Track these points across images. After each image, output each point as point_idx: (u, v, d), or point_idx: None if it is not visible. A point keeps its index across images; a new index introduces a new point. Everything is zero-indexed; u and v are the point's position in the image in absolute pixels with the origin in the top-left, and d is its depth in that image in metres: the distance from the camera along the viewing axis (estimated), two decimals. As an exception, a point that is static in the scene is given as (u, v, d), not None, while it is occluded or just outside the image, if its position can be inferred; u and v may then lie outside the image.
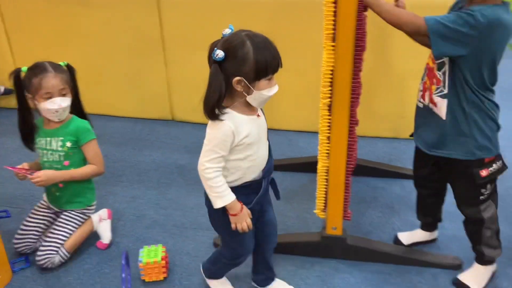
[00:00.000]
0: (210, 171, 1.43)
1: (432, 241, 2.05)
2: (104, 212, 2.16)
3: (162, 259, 1.86)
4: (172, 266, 1.96)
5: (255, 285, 1.83)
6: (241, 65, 1.33)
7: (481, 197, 1.70)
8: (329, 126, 1.76)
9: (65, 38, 3.12)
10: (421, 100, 1.74)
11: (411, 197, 2.35)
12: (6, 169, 1.92)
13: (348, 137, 1.76)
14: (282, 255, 1.95)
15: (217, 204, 1.47)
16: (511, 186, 2.40)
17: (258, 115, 1.48)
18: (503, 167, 1.67)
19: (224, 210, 1.49)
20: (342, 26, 1.58)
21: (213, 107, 1.37)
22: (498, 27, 1.44)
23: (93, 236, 2.10)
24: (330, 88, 1.70)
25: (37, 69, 1.86)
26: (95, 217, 2.11)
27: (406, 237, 2.04)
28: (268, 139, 1.55)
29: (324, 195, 1.90)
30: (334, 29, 1.62)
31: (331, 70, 1.67)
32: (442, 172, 1.81)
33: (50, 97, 1.86)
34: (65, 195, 2.01)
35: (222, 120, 1.39)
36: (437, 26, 1.46)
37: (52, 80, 1.85)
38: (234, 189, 1.48)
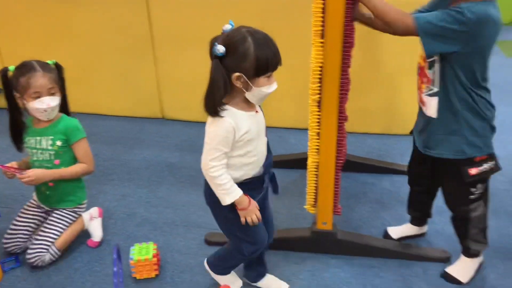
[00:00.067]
0: (215, 169, 1.43)
1: (421, 235, 2.08)
2: (94, 211, 2.15)
3: (154, 256, 1.86)
4: (163, 264, 1.96)
5: (246, 281, 1.84)
6: (241, 61, 1.32)
7: (471, 197, 1.70)
8: (318, 122, 1.78)
9: (54, 37, 3.10)
10: (418, 98, 1.74)
11: (400, 192, 2.38)
12: (-5, 169, 1.91)
13: (338, 133, 1.78)
14: (273, 251, 1.96)
15: (226, 200, 1.47)
16: (499, 179, 2.43)
17: (257, 111, 1.48)
18: (496, 168, 1.67)
19: (230, 207, 1.50)
20: (330, 22, 1.59)
21: (218, 103, 1.36)
22: (486, 23, 1.45)
23: (84, 234, 2.10)
24: (319, 84, 1.72)
25: (25, 68, 1.85)
26: (85, 215, 2.11)
27: (396, 232, 2.06)
28: (266, 135, 1.55)
29: (314, 191, 1.92)
30: (322, 26, 1.63)
31: (320, 67, 1.69)
32: (435, 170, 1.82)
33: (39, 97, 1.85)
34: (55, 194, 2.01)
35: (222, 116, 1.38)
36: (426, 25, 1.47)
37: (40, 79, 1.83)
38: (238, 186, 1.49)
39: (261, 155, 1.53)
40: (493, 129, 1.65)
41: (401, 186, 2.42)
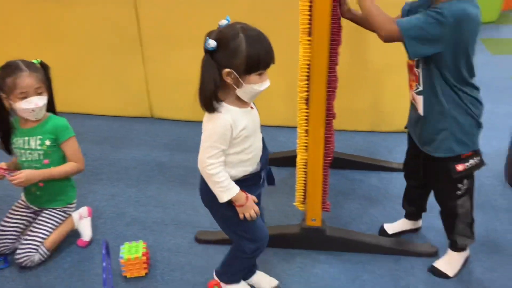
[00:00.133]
0: (213, 167, 1.43)
1: (416, 230, 2.09)
2: (84, 210, 2.15)
3: (143, 255, 1.86)
4: (153, 262, 1.96)
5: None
6: (232, 57, 1.31)
7: (458, 192, 1.73)
8: (306, 119, 1.79)
9: (41, 36, 3.08)
10: (410, 96, 1.77)
11: (388, 188, 2.41)
12: (-18, 170, 1.90)
13: (325, 130, 1.79)
14: (263, 248, 1.98)
15: (224, 198, 1.46)
16: (484, 175, 2.47)
17: (252, 108, 1.48)
18: (481, 163, 1.70)
19: (227, 205, 1.49)
20: (317, 20, 1.61)
21: (210, 98, 1.35)
22: (465, 21, 1.47)
23: (74, 234, 2.09)
24: (307, 82, 1.73)
25: (10, 68, 1.83)
26: (75, 215, 2.10)
27: (392, 228, 2.08)
28: (261, 131, 1.55)
29: (303, 187, 1.93)
30: (309, 24, 1.65)
31: (308, 64, 1.70)
32: (423, 164, 1.84)
33: (26, 97, 1.84)
34: (45, 194, 2.00)
35: (219, 112, 1.38)
36: (410, 29, 1.49)
37: (26, 79, 1.82)
38: (236, 183, 1.48)
39: (258, 151, 1.52)
40: (479, 125, 1.67)
41: (389, 182, 2.45)
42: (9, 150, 1.96)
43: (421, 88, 1.63)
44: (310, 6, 1.62)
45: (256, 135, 1.51)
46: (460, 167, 1.67)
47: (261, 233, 1.63)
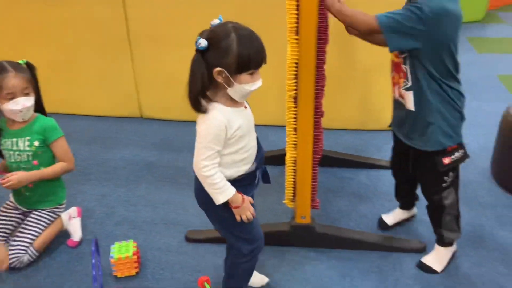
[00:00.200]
0: (208, 169, 1.41)
1: (413, 217, 2.15)
2: (73, 210, 2.14)
3: (134, 254, 1.86)
4: (144, 261, 1.97)
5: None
6: (223, 56, 1.30)
7: (444, 185, 1.78)
8: (295, 117, 1.80)
9: (28, 37, 3.06)
10: (393, 94, 1.80)
11: (377, 186, 2.43)
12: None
13: (314, 128, 1.81)
14: (253, 246, 1.98)
15: (219, 199, 1.44)
16: (471, 172, 2.51)
17: (245, 107, 1.47)
18: (465, 156, 1.75)
19: (223, 206, 1.47)
20: (304, 19, 1.62)
21: (196, 97, 1.34)
22: (445, 17, 1.50)
23: (64, 234, 2.09)
24: (295, 80, 1.75)
25: None
26: (64, 215, 2.09)
27: (389, 218, 2.13)
28: (256, 130, 1.54)
29: (292, 185, 1.95)
30: (297, 23, 1.66)
31: (296, 63, 1.71)
32: (411, 159, 1.88)
33: (13, 98, 1.83)
34: (35, 195, 1.99)
35: (210, 112, 1.36)
36: (388, 22, 1.52)
37: (12, 80, 1.81)
38: (231, 183, 1.46)
39: (253, 150, 1.51)
40: (463, 118, 1.72)
41: (378, 180, 2.47)
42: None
43: (410, 84, 1.66)
44: (297, 6, 1.63)
45: (251, 135, 1.49)
46: (446, 160, 1.71)
47: (258, 233, 1.62)
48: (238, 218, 1.50)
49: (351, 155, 2.68)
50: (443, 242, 1.88)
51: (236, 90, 1.36)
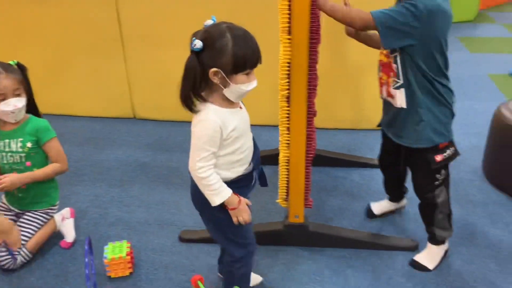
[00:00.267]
0: (203, 170, 1.39)
1: (401, 208, 2.21)
2: (66, 211, 2.14)
3: (127, 254, 1.86)
4: (137, 262, 1.96)
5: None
6: (218, 57, 1.29)
7: (436, 182, 1.80)
8: (288, 117, 1.81)
9: (19, 37, 3.05)
10: (380, 94, 1.82)
11: (370, 185, 2.44)
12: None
13: (307, 127, 1.82)
14: (247, 245, 1.99)
15: (215, 201, 1.43)
16: (462, 171, 2.53)
17: (240, 107, 1.46)
18: (456, 153, 1.77)
19: (220, 208, 1.46)
20: (296, 19, 1.63)
21: (188, 97, 1.34)
22: (438, 14, 1.53)
23: (57, 235, 2.08)
24: (287, 80, 1.75)
25: None
26: (57, 216, 2.09)
27: (377, 208, 2.19)
28: (251, 131, 1.54)
29: (285, 185, 1.95)
30: (289, 23, 1.67)
31: (288, 63, 1.72)
32: (404, 158, 1.91)
33: (4, 99, 1.82)
34: (28, 196, 1.98)
35: (204, 113, 1.35)
36: (384, 19, 1.54)
37: (4, 81, 1.80)
38: (227, 185, 1.45)
39: (249, 151, 1.50)
40: (453, 115, 1.74)
41: (370, 179, 2.48)
42: None
43: (401, 82, 1.67)
44: (289, 6, 1.64)
45: (247, 135, 1.48)
46: (438, 158, 1.73)
47: (251, 237, 1.62)
48: (235, 220, 1.48)
49: (344, 154, 2.69)
50: (435, 240, 1.89)
51: (232, 90, 1.35)
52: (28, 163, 1.94)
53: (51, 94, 3.12)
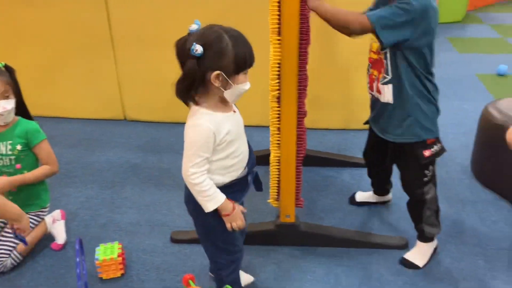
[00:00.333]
0: (196, 176, 1.38)
1: (386, 202, 2.27)
2: (57, 213, 2.13)
3: (119, 255, 1.86)
4: (129, 263, 1.96)
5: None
6: (220, 59, 1.29)
7: (425, 179, 1.82)
8: (278, 117, 1.82)
9: (9, 39, 3.03)
10: (370, 91, 1.85)
11: (360, 184, 2.46)
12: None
13: (297, 128, 1.83)
14: (239, 246, 2.00)
15: (209, 207, 1.42)
16: (452, 170, 2.56)
17: (234, 111, 1.45)
18: (443, 149, 1.81)
19: (213, 214, 1.45)
20: (286, 20, 1.65)
21: (187, 90, 1.33)
22: (430, 10, 1.58)
23: (48, 238, 2.08)
24: (278, 80, 1.76)
25: None
26: (48, 218, 2.08)
27: (360, 196, 2.30)
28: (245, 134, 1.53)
29: (276, 185, 1.96)
30: (279, 24, 1.68)
31: (278, 63, 1.73)
32: (391, 155, 1.94)
33: None
34: (18, 199, 1.96)
35: (196, 118, 1.35)
36: (380, 21, 1.58)
37: None
38: (221, 190, 1.44)
39: (244, 155, 1.49)
40: (439, 111, 1.78)
41: (361, 178, 2.50)
42: None
43: (390, 77, 1.71)
44: (279, 7, 1.65)
45: (241, 139, 1.47)
46: (427, 153, 1.76)
47: (240, 245, 1.62)
48: (228, 226, 1.47)
49: (335, 154, 2.71)
50: (424, 237, 1.92)
51: (233, 91, 1.35)
52: (18, 166, 1.93)
53: (42, 96, 3.11)
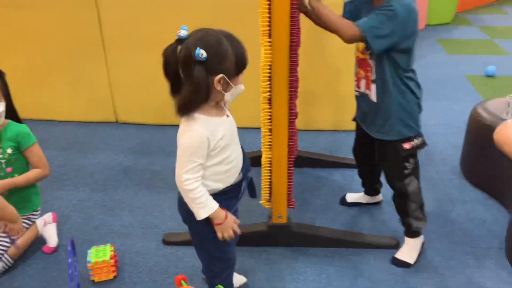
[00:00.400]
0: (190, 182, 1.36)
1: (376, 203, 2.30)
2: (48, 216, 2.12)
3: (111, 258, 1.86)
4: (122, 265, 1.96)
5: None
6: (222, 62, 1.28)
7: (405, 171, 1.87)
8: (270, 118, 1.84)
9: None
10: (357, 88, 1.89)
11: (351, 185, 2.48)
12: None
13: (289, 129, 1.84)
14: (231, 247, 2.00)
15: (201, 215, 1.40)
16: (441, 170, 2.59)
17: (228, 116, 1.44)
18: (423, 143, 1.86)
19: (205, 221, 1.43)
20: (276, 23, 1.66)
21: (202, 100, 1.32)
22: (412, 13, 1.64)
23: (39, 241, 2.07)
24: (269, 82, 1.78)
25: None
26: (39, 221, 2.08)
27: (351, 197, 2.33)
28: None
29: (268, 186, 1.98)
30: (269, 26, 1.69)
31: (269, 65, 1.75)
32: (376, 150, 1.99)
33: None
34: (9, 202, 1.94)
35: (191, 124, 1.33)
36: (370, 30, 1.62)
37: None
38: (215, 196, 1.43)
39: (238, 160, 1.48)
40: (421, 109, 1.83)
41: (352, 179, 2.52)
42: None
43: (374, 77, 1.76)
44: (269, 9, 1.66)
45: (234, 144, 1.46)
46: (407, 145, 1.82)
47: (233, 253, 1.61)
48: (219, 235, 1.46)
49: (326, 155, 2.73)
50: (412, 232, 1.96)
51: (233, 93, 1.35)
52: (9, 169, 1.92)
53: (33, 99, 3.10)
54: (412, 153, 1.84)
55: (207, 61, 1.27)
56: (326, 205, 2.34)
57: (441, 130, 2.99)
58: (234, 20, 2.69)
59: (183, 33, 1.29)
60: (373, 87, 1.78)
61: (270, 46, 1.71)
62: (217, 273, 1.60)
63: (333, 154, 2.75)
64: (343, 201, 2.33)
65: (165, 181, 2.53)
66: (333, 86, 2.92)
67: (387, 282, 1.87)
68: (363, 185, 2.27)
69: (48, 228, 2.08)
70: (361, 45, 1.75)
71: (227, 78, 1.31)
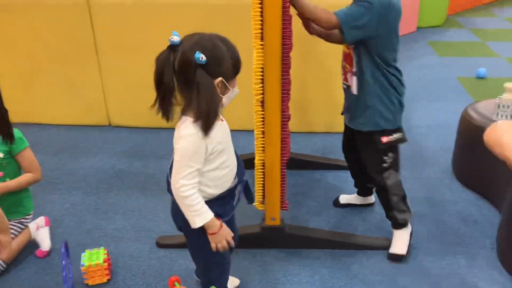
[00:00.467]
0: (186, 189, 1.34)
1: (369, 205, 2.32)
2: (41, 220, 2.11)
3: (104, 261, 1.86)
4: (115, 268, 1.96)
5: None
6: (221, 66, 1.29)
7: (384, 165, 1.91)
8: (262, 121, 1.84)
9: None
10: (344, 82, 1.95)
11: (345, 186, 2.49)
12: None
13: (281, 131, 1.85)
14: (225, 249, 2.01)
15: (196, 223, 1.38)
16: (433, 170, 2.61)
17: (222, 120, 1.43)
18: (403, 139, 1.90)
19: (200, 230, 1.42)
20: (268, 26, 1.67)
21: (217, 104, 1.32)
22: (390, 8, 1.70)
23: (32, 245, 2.06)
24: (261, 85, 1.79)
25: None
26: (32, 225, 2.07)
27: (344, 198, 2.35)
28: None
29: (261, 188, 1.98)
30: (261, 29, 1.70)
31: (261, 68, 1.76)
32: (356, 142, 2.02)
33: None
34: (1, 206, 1.94)
35: (187, 128, 1.32)
36: (346, 18, 1.70)
37: None
38: (211, 202, 1.42)
39: (233, 165, 1.47)
40: (402, 105, 1.88)
41: (345, 181, 2.53)
42: None
43: (355, 70, 1.82)
44: (262, 12, 1.68)
45: (230, 148, 1.46)
46: (385, 139, 1.86)
47: (228, 258, 1.61)
48: (213, 246, 1.44)
49: (319, 157, 2.74)
50: (398, 223, 1.99)
51: (229, 95, 1.36)
52: (0, 174, 1.92)
53: (25, 103, 3.09)
54: (391, 146, 1.87)
55: (207, 64, 1.27)
56: (320, 207, 2.35)
57: (432, 132, 3.01)
58: (226, 24, 2.71)
59: (176, 39, 1.28)
60: (354, 79, 1.84)
61: (262, 49, 1.72)
62: (213, 278, 1.60)
63: (326, 156, 2.77)
64: (336, 203, 2.34)
65: (158, 184, 2.53)
66: (326, 88, 2.94)
67: (380, 283, 1.88)
68: (356, 185, 2.30)
69: (40, 232, 2.08)
70: None
71: (225, 81, 1.32)
